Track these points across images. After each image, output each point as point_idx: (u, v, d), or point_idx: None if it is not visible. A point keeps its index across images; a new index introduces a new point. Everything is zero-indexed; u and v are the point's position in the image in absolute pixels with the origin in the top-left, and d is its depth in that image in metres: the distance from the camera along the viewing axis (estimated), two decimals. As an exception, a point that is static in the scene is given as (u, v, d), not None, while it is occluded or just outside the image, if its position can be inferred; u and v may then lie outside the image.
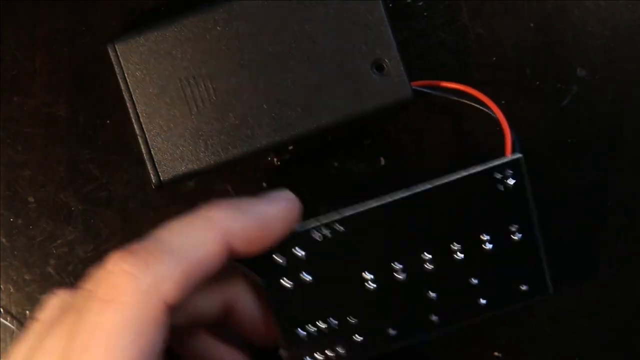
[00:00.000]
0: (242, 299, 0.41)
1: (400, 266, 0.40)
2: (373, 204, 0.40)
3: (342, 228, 0.40)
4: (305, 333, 0.40)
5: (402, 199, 0.40)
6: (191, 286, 0.35)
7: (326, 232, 0.40)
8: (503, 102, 0.44)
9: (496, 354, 0.46)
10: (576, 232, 0.45)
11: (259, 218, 0.38)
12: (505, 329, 0.46)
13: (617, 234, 0.45)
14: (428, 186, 0.40)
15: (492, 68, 0.45)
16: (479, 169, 0.40)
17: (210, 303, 0.39)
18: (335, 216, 0.40)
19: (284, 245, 0.39)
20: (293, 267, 0.40)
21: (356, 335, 0.41)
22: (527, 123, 0.45)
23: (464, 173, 0.40)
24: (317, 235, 0.40)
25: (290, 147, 0.45)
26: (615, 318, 0.45)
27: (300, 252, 0.40)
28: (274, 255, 0.40)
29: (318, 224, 0.40)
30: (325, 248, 0.40)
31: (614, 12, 0.45)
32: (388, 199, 0.40)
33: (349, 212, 0.40)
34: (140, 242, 0.35)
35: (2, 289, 0.46)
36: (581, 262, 0.45)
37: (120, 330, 0.33)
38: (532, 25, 0.45)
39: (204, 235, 0.36)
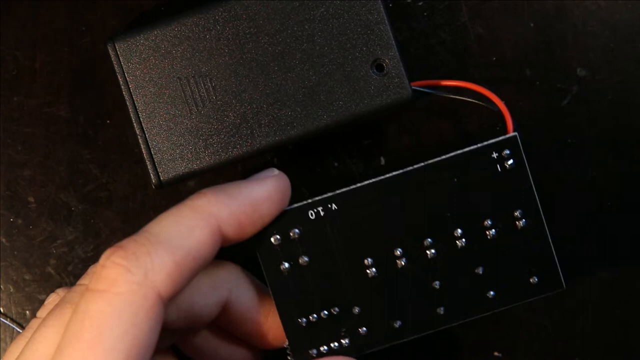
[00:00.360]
0: (239, 297, 0.41)
1: (401, 252, 0.40)
2: (365, 182, 0.40)
3: (335, 207, 0.40)
4: (308, 322, 0.40)
5: (396, 176, 0.40)
6: (185, 276, 0.35)
7: (319, 210, 0.40)
8: (503, 102, 0.44)
9: (496, 354, 0.46)
10: (576, 232, 0.45)
11: (247, 200, 0.38)
12: (505, 329, 0.46)
13: (617, 234, 0.45)
14: (421, 164, 0.39)
15: (492, 68, 0.45)
16: (473, 146, 0.39)
17: (208, 303, 0.39)
18: (328, 194, 0.40)
19: (277, 224, 0.39)
20: (289, 248, 0.39)
21: (360, 326, 0.40)
22: (527, 123, 0.45)
23: (459, 151, 0.39)
24: (310, 214, 0.40)
25: (290, 147, 0.45)
26: (615, 318, 0.45)
27: (294, 232, 0.39)
28: (268, 236, 0.39)
29: (310, 201, 0.39)
30: (320, 228, 0.40)
31: (614, 12, 0.45)
32: (380, 177, 0.40)
33: (341, 190, 0.40)
34: (131, 236, 0.36)
35: (2, 289, 0.46)
36: (581, 262, 0.45)
37: (114, 320, 0.33)
38: (532, 25, 0.45)
39: (193, 224, 0.36)
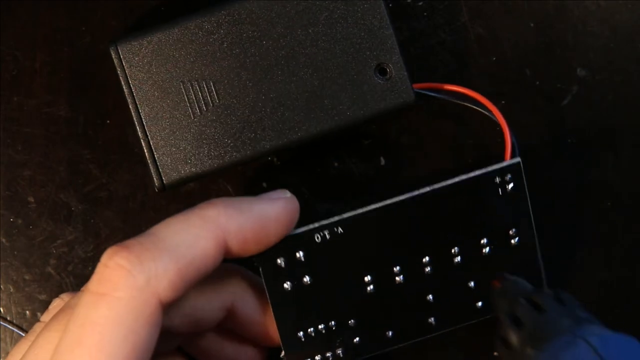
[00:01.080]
0: (243, 301, 0.41)
1: (399, 269, 0.40)
2: (372, 207, 0.40)
3: (341, 230, 0.40)
4: (305, 335, 0.40)
5: (400, 202, 0.40)
6: (186, 284, 0.35)
7: (325, 234, 0.40)
8: (503, 102, 0.44)
9: (496, 354, 0.46)
10: (576, 232, 0.45)
11: (255, 217, 0.37)
12: (506, 329, 0.46)
13: (616, 234, 0.45)
14: (427, 189, 0.40)
15: (492, 68, 0.45)
16: (477, 172, 0.40)
17: (212, 308, 0.39)
18: (335, 218, 0.40)
19: (284, 246, 0.39)
20: (293, 269, 0.40)
21: (355, 337, 0.41)
22: (527, 123, 0.45)
23: (463, 177, 0.40)
24: (316, 237, 0.40)
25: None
26: (616, 318, 0.46)
27: (299, 254, 0.40)
28: (273, 256, 0.39)
29: (317, 225, 0.40)
30: (325, 250, 0.40)
31: (614, 12, 0.45)
32: (387, 202, 0.40)
33: (348, 214, 0.40)
34: (137, 237, 0.35)
35: (2, 289, 0.46)
36: (581, 262, 0.45)
37: (114, 325, 0.33)
38: (532, 25, 0.45)
39: (199, 233, 0.36)
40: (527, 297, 0.38)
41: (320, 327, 0.40)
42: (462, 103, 0.42)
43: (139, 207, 0.46)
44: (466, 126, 0.45)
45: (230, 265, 0.41)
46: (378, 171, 0.45)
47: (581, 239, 0.45)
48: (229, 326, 0.41)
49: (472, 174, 0.40)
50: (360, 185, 0.45)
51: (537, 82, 0.45)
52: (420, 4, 0.45)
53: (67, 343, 0.33)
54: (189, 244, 0.35)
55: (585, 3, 0.45)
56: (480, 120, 0.45)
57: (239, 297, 0.40)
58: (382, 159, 0.45)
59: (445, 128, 0.45)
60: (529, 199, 0.40)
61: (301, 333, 0.40)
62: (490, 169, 0.40)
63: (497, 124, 0.44)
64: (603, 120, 0.45)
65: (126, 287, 0.33)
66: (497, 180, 0.40)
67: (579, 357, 0.33)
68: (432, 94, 0.42)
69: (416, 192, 0.40)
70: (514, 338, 0.37)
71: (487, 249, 0.41)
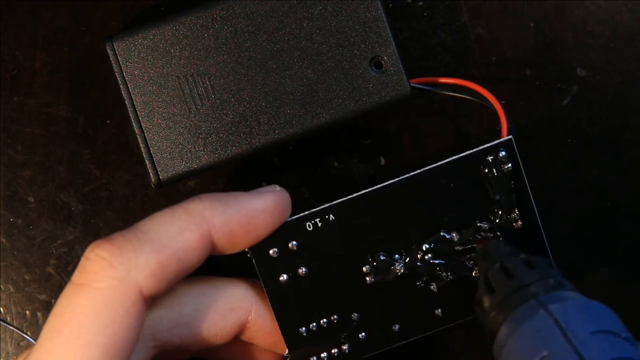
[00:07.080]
0: (260, 315, 0.40)
1: (398, 257, 0.40)
2: (364, 191, 0.40)
3: (332, 217, 0.40)
4: (308, 331, 0.40)
5: (391, 184, 0.40)
6: (169, 276, 0.35)
7: (317, 222, 0.39)
8: (503, 102, 0.44)
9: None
10: (576, 232, 0.45)
11: (243, 210, 0.37)
12: (505, 329, 0.46)
13: (617, 234, 0.45)
14: (418, 171, 0.40)
15: (492, 68, 0.45)
16: (469, 151, 0.40)
17: (226, 324, 0.39)
18: (325, 205, 0.40)
19: (275, 236, 0.39)
20: (287, 260, 0.39)
21: (360, 332, 0.40)
22: (527, 123, 0.45)
23: (455, 157, 0.40)
24: (307, 226, 0.40)
25: (290, 147, 0.45)
26: (616, 318, 0.45)
27: (292, 244, 0.39)
28: (265, 248, 0.39)
29: (307, 213, 0.39)
30: (318, 239, 0.40)
31: (614, 12, 0.45)
32: (378, 185, 0.40)
33: (338, 200, 0.40)
34: (122, 231, 0.36)
35: (2, 289, 0.46)
36: (581, 262, 0.45)
37: (93, 314, 0.33)
38: (532, 25, 0.45)
39: (183, 225, 0.36)
40: (500, 262, 0.38)
41: (322, 321, 0.40)
42: (459, 95, 0.42)
43: (139, 207, 0.46)
44: (466, 125, 0.45)
45: (245, 280, 0.41)
46: (378, 171, 0.45)
47: (581, 239, 0.45)
48: (244, 338, 0.41)
49: (463, 153, 0.40)
50: (360, 185, 0.45)
51: (537, 82, 0.45)
52: (420, 4, 0.45)
53: (47, 331, 0.34)
54: (172, 235, 0.35)
55: (585, 3, 0.45)
56: (481, 120, 0.45)
57: (256, 309, 0.40)
58: (382, 159, 0.45)
59: (445, 127, 0.45)
60: (525, 178, 0.40)
61: (303, 329, 0.40)
62: (481, 147, 0.40)
63: (498, 124, 0.44)
64: (603, 120, 0.45)
65: (106, 277, 0.34)
66: (490, 158, 0.40)
67: (538, 325, 0.33)
68: (429, 88, 0.42)
69: (406, 175, 0.39)
70: (486, 303, 0.37)
71: (490, 234, 0.40)
